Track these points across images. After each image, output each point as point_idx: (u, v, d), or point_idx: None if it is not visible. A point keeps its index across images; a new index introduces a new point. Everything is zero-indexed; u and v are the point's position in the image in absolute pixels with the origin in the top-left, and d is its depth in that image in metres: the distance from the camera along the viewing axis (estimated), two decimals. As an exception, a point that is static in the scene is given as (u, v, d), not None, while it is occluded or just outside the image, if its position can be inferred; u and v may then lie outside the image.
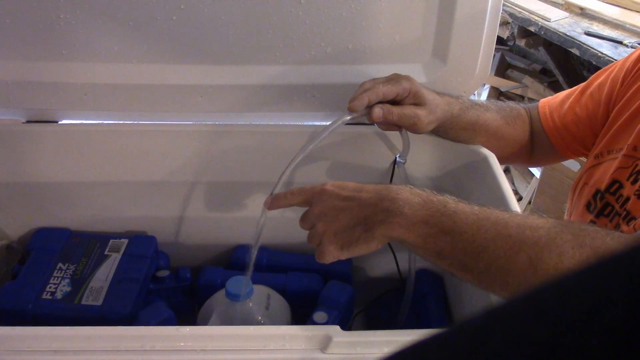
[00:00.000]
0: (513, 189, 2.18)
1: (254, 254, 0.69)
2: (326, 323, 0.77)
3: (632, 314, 0.15)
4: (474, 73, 0.84)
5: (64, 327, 0.57)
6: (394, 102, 0.74)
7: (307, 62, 0.84)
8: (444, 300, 0.90)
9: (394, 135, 0.83)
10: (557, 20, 1.88)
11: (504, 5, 0.82)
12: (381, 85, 0.72)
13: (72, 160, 0.88)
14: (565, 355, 0.15)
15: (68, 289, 0.80)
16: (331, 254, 0.58)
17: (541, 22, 1.87)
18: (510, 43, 2.11)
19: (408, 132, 0.79)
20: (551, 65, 2.07)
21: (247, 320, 0.75)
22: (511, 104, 0.88)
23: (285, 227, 0.87)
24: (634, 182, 0.68)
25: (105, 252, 0.87)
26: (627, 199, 0.68)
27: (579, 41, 1.73)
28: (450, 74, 0.84)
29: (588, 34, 1.77)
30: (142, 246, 0.88)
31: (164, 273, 0.88)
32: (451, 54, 0.82)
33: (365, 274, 0.99)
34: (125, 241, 0.89)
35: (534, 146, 0.88)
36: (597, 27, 1.83)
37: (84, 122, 0.90)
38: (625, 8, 1.91)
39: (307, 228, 0.61)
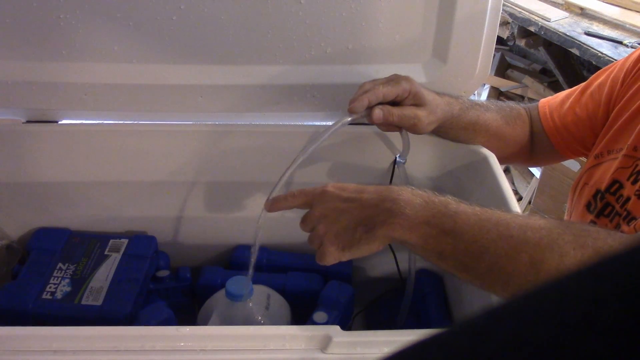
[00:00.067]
0: (513, 189, 2.18)
1: (253, 255, 0.69)
2: (326, 323, 0.77)
3: (632, 314, 0.15)
4: (474, 73, 0.84)
5: (64, 327, 0.57)
6: (394, 103, 0.74)
7: (307, 62, 0.84)
8: (444, 300, 0.90)
9: (394, 136, 0.83)
10: (557, 20, 1.88)
11: (504, 5, 0.82)
12: (381, 86, 0.72)
13: (72, 160, 0.88)
14: (565, 356, 0.15)
15: (68, 289, 0.80)
16: (332, 256, 0.58)
17: (541, 22, 1.87)
18: (510, 43, 2.11)
19: (408, 132, 0.79)
20: (551, 65, 2.07)
21: (247, 320, 0.75)
22: (511, 104, 0.88)
23: (285, 228, 0.87)
24: (634, 182, 0.68)
25: (105, 252, 0.87)
26: (628, 199, 0.68)
27: (579, 41, 1.73)
28: (450, 74, 0.84)
29: (588, 34, 1.77)
30: (142, 246, 0.88)
31: (164, 273, 0.88)
32: (451, 54, 0.82)
33: (365, 274, 0.99)
34: (125, 241, 0.89)
35: (534, 146, 0.88)
36: (597, 27, 1.83)
37: (84, 122, 0.90)
38: (625, 8, 1.91)
39: (308, 230, 0.61)
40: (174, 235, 0.96)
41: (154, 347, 0.54)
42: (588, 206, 0.76)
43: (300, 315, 0.82)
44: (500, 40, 2.00)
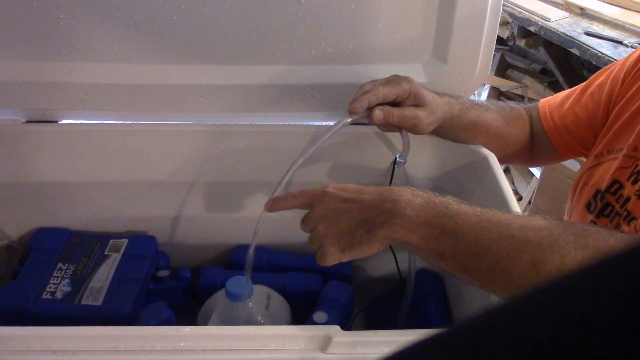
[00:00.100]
0: (513, 189, 2.18)
1: (250, 255, 0.69)
2: (326, 323, 0.77)
3: (632, 314, 0.15)
4: (474, 73, 0.84)
5: (64, 327, 0.57)
6: (394, 103, 0.74)
7: (307, 62, 0.84)
8: (444, 300, 0.90)
9: (394, 135, 0.83)
10: (557, 20, 1.88)
11: (504, 5, 0.82)
12: (381, 87, 0.72)
13: (72, 160, 0.88)
14: (565, 355, 0.15)
15: (68, 289, 0.80)
16: (333, 257, 0.58)
17: (541, 22, 1.87)
18: (510, 43, 2.11)
19: (408, 133, 0.79)
20: (551, 65, 2.07)
21: (247, 320, 0.75)
22: (511, 104, 0.88)
23: (285, 228, 0.87)
24: (635, 182, 0.68)
25: (105, 252, 0.87)
26: (628, 199, 0.68)
27: (579, 41, 1.73)
28: (450, 74, 0.84)
29: (588, 34, 1.77)
30: (142, 246, 0.88)
31: (164, 273, 0.88)
32: (451, 54, 0.82)
33: (365, 274, 0.99)
34: (125, 241, 0.89)
35: (534, 146, 0.88)
36: (597, 27, 1.83)
37: (84, 122, 0.90)
38: (625, 8, 1.91)
39: (308, 230, 0.61)
40: (174, 235, 0.96)
41: (154, 347, 0.54)
42: (588, 206, 0.76)
43: (300, 315, 0.82)
44: (500, 40, 2.00)
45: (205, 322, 0.78)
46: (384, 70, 0.79)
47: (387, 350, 0.54)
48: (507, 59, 2.47)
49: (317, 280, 0.88)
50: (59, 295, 0.79)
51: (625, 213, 0.68)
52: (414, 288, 0.83)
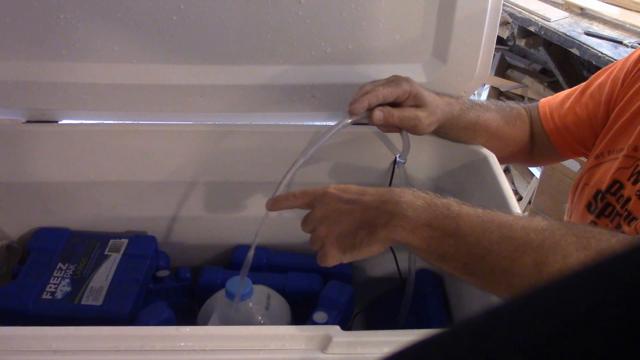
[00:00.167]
0: (513, 189, 2.18)
1: (250, 255, 0.69)
2: (326, 323, 0.77)
3: (632, 314, 0.15)
4: (474, 73, 0.84)
5: (64, 327, 0.57)
6: (394, 104, 0.74)
7: (307, 62, 0.84)
8: (444, 300, 0.90)
9: (394, 135, 0.83)
10: (557, 20, 1.88)
11: (504, 5, 0.81)
12: (381, 87, 0.72)
13: (72, 160, 0.88)
14: (565, 356, 0.15)
15: (68, 289, 0.80)
16: (334, 258, 0.58)
17: (541, 22, 1.87)
18: (510, 43, 2.11)
19: (408, 133, 0.79)
20: (551, 65, 2.07)
21: (247, 320, 0.75)
22: (511, 104, 0.88)
23: (285, 228, 0.87)
24: (635, 182, 0.68)
25: (105, 252, 0.87)
26: (628, 199, 0.68)
27: (579, 41, 1.73)
28: (450, 74, 0.84)
29: (588, 34, 1.77)
30: (142, 246, 0.88)
31: (164, 273, 0.88)
32: (451, 54, 0.82)
33: (365, 274, 0.99)
34: (125, 241, 0.89)
35: (534, 146, 0.88)
36: (597, 27, 1.83)
37: (84, 122, 0.90)
38: (625, 8, 1.91)
39: (309, 231, 0.61)
40: (174, 235, 0.96)
41: (154, 347, 0.54)
42: (589, 206, 0.76)
43: (300, 315, 0.82)
44: (500, 40, 2.00)
45: (205, 322, 0.78)
46: (384, 70, 0.79)
47: (387, 350, 0.54)
48: (507, 59, 2.47)
49: (317, 280, 0.88)
50: (59, 295, 0.79)
51: (626, 213, 0.68)
52: (414, 288, 0.83)
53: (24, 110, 0.87)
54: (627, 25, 1.81)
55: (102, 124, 0.89)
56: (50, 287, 0.80)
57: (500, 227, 0.52)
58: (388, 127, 0.76)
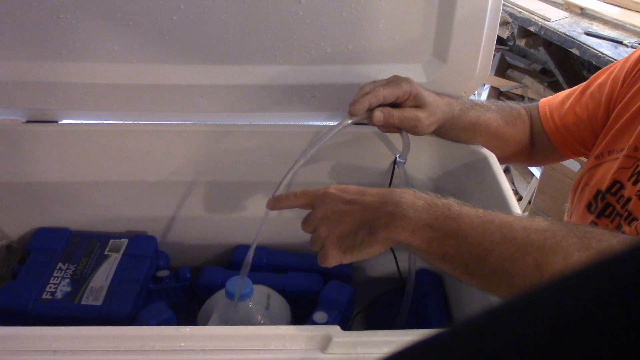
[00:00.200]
0: (513, 189, 2.18)
1: (250, 255, 0.69)
2: (326, 323, 0.77)
3: (632, 314, 0.15)
4: (474, 73, 0.84)
5: (64, 327, 0.57)
6: (394, 104, 0.74)
7: (307, 62, 0.84)
8: (444, 300, 0.90)
9: (394, 136, 0.83)
10: (557, 20, 1.88)
11: (504, 5, 0.81)
12: (381, 88, 0.72)
13: (72, 160, 0.88)
14: (565, 356, 0.15)
15: (68, 289, 0.80)
16: (334, 258, 0.58)
17: (541, 22, 1.88)
18: (510, 43, 2.11)
19: (408, 133, 0.79)
20: (551, 65, 2.07)
21: (247, 320, 0.75)
22: (511, 103, 0.88)
23: (285, 228, 0.87)
24: (635, 182, 0.68)
25: (105, 252, 0.87)
26: (629, 199, 0.68)
27: (579, 41, 1.73)
28: (450, 74, 0.84)
29: (588, 34, 1.77)
30: (142, 246, 0.88)
31: (164, 273, 0.88)
32: (451, 54, 0.82)
33: (365, 274, 0.99)
34: (125, 241, 0.89)
35: (534, 146, 0.87)
36: (597, 27, 1.83)
37: (84, 122, 0.90)
38: (625, 8, 1.91)
39: (310, 231, 0.61)
40: (174, 235, 0.96)
41: (154, 347, 0.54)
42: (589, 207, 0.76)
43: (300, 315, 0.82)
44: (500, 40, 2.00)
45: (205, 322, 0.78)
46: (384, 70, 0.79)
47: (387, 350, 0.54)
48: (507, 59, 2.47)
49: (317, 281, 0.88)
50: (59, 295, 0.79)
51: (626, 214, 0.68)
52: (414, 288, 0.83)
53: (24, 110, 0.87)
54: (627, 25, 1.81)
55: (102, 124, 0.89)
56: (50, 287, 0.80)
57: (501, 227, 0.52)
58: (388, 127, 0.76)
